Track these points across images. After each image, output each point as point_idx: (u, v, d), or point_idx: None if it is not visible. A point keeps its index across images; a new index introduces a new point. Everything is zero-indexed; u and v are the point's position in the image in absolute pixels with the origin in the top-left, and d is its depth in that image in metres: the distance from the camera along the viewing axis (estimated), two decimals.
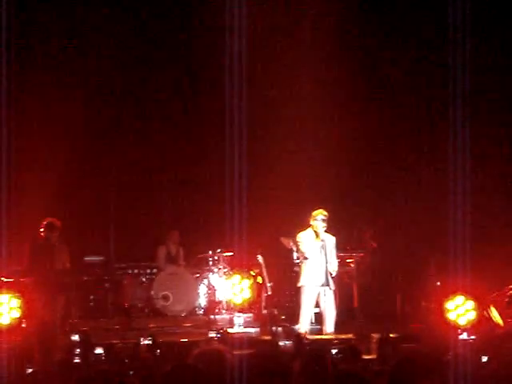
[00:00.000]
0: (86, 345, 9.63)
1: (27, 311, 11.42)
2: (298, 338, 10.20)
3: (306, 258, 11.92)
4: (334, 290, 11.94)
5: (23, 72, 13.74)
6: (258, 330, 12.85)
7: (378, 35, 14.82)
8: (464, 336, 11.34)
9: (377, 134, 15.20)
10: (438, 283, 13.04)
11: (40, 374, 7.59)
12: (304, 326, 11.90)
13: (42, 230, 11.66)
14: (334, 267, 11.91)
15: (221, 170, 13.01)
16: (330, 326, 11.74)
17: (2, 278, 11.97)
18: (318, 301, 11.90)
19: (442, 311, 11.70)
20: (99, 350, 9.92)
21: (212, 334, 11.59)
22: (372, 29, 14.84)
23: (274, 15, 14.73)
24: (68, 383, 6.54)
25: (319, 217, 11.84)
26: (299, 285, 12.02)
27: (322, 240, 11.82)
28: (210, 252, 14.47)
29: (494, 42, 14.16)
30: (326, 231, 11.90)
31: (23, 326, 11.48)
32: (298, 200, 13.92)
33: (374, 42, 14.86)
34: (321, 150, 14.74)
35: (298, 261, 12.70)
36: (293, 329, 12.26)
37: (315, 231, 11.87)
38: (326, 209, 12.05)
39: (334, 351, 9.16)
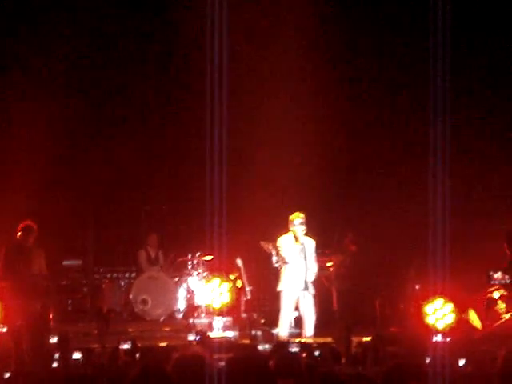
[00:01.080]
0: (66, 347, 9.56)
1: (4, 316, 11.32)
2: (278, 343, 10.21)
3: (285, 263, 11.92)
4: (314, 294, 11.94)
5: (3, 73, 13.65)
6: (237, 333, 12.82)
7: (360, 33, 14.85)
8: (439, 338, 11.36)
9: (357, 136, 15.22)
10: (417, 286, 13.08)
11: (18, 378, 7.53)
12: (283, 329, 11.89)
13: (18, 233, 11.57)
14: (313, 271, 11.91)
15: (200, 173, 12.97)
16: (309, 329, 11.74)
17: None
18: (297, 305, 11.90)
19: (420, 314, 11.72)
20: (78, 355, 9.85)
21: (191, 338, 11.55)
22: (355, 25, 14.86)
23: (255, 18, 14.75)
24: None
25: (297, 221, 11.85)
26: (279, 289, 12.01)
27: (302, 244, 11.83)
28: (190, 256, 14.44)
29: (475, 43, 14.23)
30: (306, 234, 11.90)
31: (1, 330, 11.39)
32: (278, 204, 13.92)
33: (358, 40, 14.89)
34: (300, 153, 14.75)
35: (277, 265, 12.69)
36: (272, 333, 12.26)
37: (295, 235, 11.87)
38: (305, 212, 12.06)
39: (316, 353, 9.13)
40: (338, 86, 15.09)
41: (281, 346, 10.21)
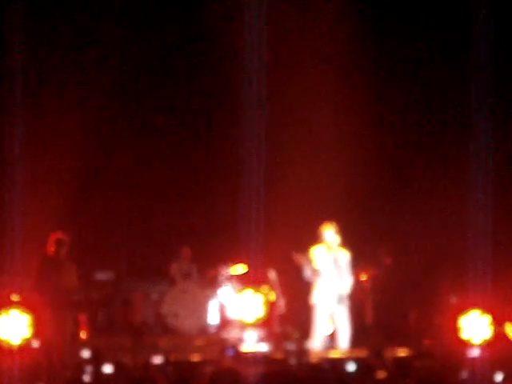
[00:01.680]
0: (98, 361, 9.51)
1: (37, 330, 11.31)
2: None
3: (319, 274, 11.80)
4: (348, 307, 11.80)
5: (34, 86, 13.69)
6: (270, 347, 12.71)
7: (391, 43, 14.74)
8: (476, 353, 11.16)
9: (391, 146, 15.10)
10: (453, 299, 12.90)
11: None
12: (317, 343, 11.76)
13: (50, 245, 11.55)
14: (347, 283, 11.78)
15: (233, 184, 12.92)
16: (343, 342, 11.60)
17: (13, 296, 11.88)
18: (332, 318, 11.77)
19: (456, 328, 11.54)
20: (109, 369, 9.79)
21: (225, 352, 11.45)
22: (386, 35, 14.76)
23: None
24: None
25: (329, 232, 11.75)
26: (312, 302, 11.88)
27: (335, 255, 11.70)
28: (222, 267, 14.36)
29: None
30: (340, 246, 11.77)
31: (33, 345, 11.37)
32: (311, 215, 13.80)
33: (390, 51, 14.80)
34: (334, 163, 14.63)
35: (309, 277, 12.57)
36: (305, 347, 12.14)
37: (327, 246, 11.76)
38: (339, 224, 11.94)
39: (349, 368, 8.99)
40: (377, 94, 14.98)
41: (312, 362, 10.13)
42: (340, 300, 11.71)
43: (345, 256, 11.85)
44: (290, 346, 12.10)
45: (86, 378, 9.41)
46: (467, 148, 12.12)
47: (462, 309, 11.63)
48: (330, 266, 11.74)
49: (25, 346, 11.03)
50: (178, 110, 15.59)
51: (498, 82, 12.52)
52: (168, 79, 15.32)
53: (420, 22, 14.56)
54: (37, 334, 11.31)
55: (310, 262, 12.16)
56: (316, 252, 11.83)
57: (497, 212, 12.94)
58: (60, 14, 14.39)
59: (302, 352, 11.86)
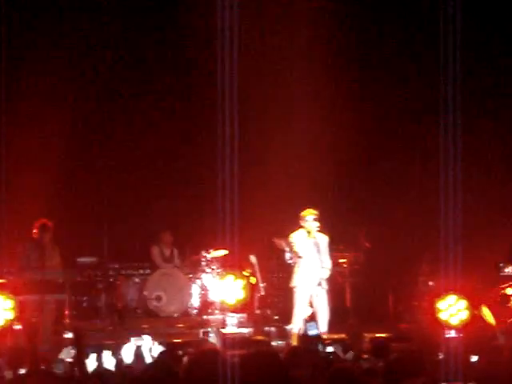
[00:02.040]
0: (80, 342, 9.60)
1: (20, 313, 11.41)
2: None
3: (299, 257, 11.94)
4: (327, 290, 11.97)
5: (15, 71, 13.72)
6: (251, 330, 12.87)
7: (372, 31, 14.87)
8: (452, 334, 11.37)
9: (370, 132, 15.22)
10: (431, 283, 13.09)
11: (32, 374, 7.59)
12: (297, 326, 11.92)
13: (34, 230, 11.64)
14: (327, 267, 11.94)
15: (213, 169, 12.98)
16: (323, 325, 11.77)
17: None
18: (311, 301, 11.93)
19: (433, 311, 11.74)
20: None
21: (205, 334, 11.61)
22: (367, 25, 14.88)
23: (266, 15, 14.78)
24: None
25: (309, 217, 11.87)
26: (292, 285, 12.04)
27: (315, 239, 11.85)
28: (203, 252, 14.48)
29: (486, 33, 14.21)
30: (319, 231, 11.92)
31: (15, 327, 11.47)
32: (291, 200, 13.93)
33: (369, 36, 14.90)
34: (314, 148, 14.74)
35: (290, 261, 12.72)
36: (285, 329, 12.31)
37: (308, 231, 11.89)
38: (318, 208, 12.09)
39: (329, 349, 9.18)
40: (352, 77, 15.09)
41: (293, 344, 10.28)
42: (319, 283, 11.86)
43: (324, 240, 12.01)
44: (271, 329, 12.28)
45: (69, 360, 9.53)
46: (440, 136, 12.27)
47: (440, 292, 11.83)
48: (311, 250, 11.88)
49: (7, 329, 11.13)
50: (157, 93, 15.65)
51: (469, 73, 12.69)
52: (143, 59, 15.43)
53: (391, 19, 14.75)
54: (20, 316, 11.42)
55: (290, 246, 12.31)
56: (296, 236, 11.98)
57: (471, 198, 13.12)
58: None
59: (283, 333, 12.07)
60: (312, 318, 10.44)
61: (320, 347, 9.32)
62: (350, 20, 14.87)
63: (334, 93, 14.81)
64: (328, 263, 11.99)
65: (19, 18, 14.14)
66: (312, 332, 9.81)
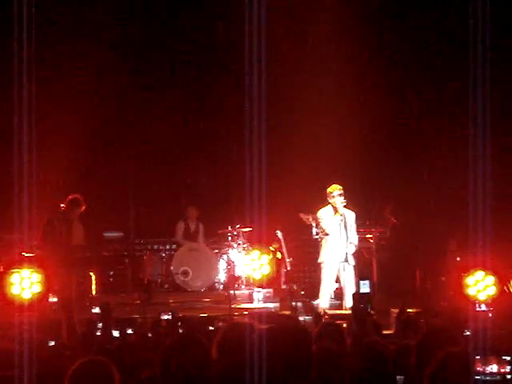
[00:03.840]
0: (108, 317, 9.67)
1: (48, 286, 11.48)
2: (317, 314, 10.25)
3: (326, 234, 11.93)
4: (354, 266, 11.94)
5: (41, 45, 13.75)
6: (277, 305, 12.89)
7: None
8: (483, 308, 11.32)
9: (398, 109, 15.13)
10: (458, 258, 13.02)
11: (62, 346, 7.66)
12: (324, 301, 11.92)
13: (63, 205, 11.65)
14: (354, 242, 11.91)
15: (239, 145, 12.98)
16: (349, 301, 11.74)
17: (24, 253, 12.03)
18: (338, 276, 11.92)
19: (461, 286, 11.68)
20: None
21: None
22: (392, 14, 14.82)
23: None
24: (89, 355, 6.60)
25: (335, 192, 11.83)
26: (319, 261, 12.03)
27: (342, 215, 11.81)
28: (230, 227, 14.50)
29: None
30: (345, 206, 11.88)
31: (47, 301, 11.56)
32: (318, 175, 13.89)
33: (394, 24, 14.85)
34: (341, 125, 14.68)
35: (317, 236, 12.71)
36: (312, 304, 12.31)
37: (334, 207, 11.86)
38: (345, 184, 12.05)
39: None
40: (377, 59, 15.00)
41: (322, 317, 10.28)
42: (346, 259, 11.84)
43: (351, 216, 11.97)
44: (297, 304, 12.27)
45: (97, 333, 9.60)
46: (471, 114, 12.16)
47: (467, 268, 11.77)
48: (337, 227, 11.85)
49: (37, 302, 11.22)
50: (184, 72, 15.66)
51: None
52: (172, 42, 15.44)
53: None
54: (48, 290, 11.50)
55: (317, 221, 12.29)
56: (323, 213, 11.94)
57: (501, 172, 13.01)
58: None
59: (309, 308, 12.06)
60: (365, 277, 10.42)
61: (369, 307, 9.38)
62: (373, 11, 14.78)
63: (363, 73, 14.73)
64: (355, 239, 11.96)
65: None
66: (364, 290, 9.89)
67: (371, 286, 10.28)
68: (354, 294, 10.14)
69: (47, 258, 11.37)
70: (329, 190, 11.90)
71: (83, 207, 11.50)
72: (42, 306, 11.24)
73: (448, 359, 4.57)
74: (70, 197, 11.53)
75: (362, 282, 9.99)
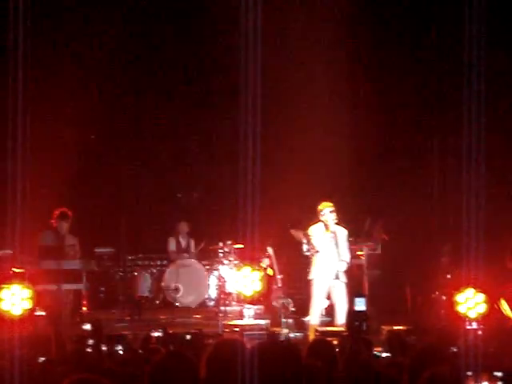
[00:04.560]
0: (99, 334, 9.65)
1: (38, 302, 11.44)
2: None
3: (316, 252, 11.94)
4: (346, 283, 11.94)
5: (36, 57, 13.74)
6: (268, 321, 12.87)
7: (389, 30, 14.85)
8: (473, 326, 11.33)
9: (389, 124, 15.18)
10: (449, 276, 13.04)
11: (52, 362, 7.62)
12: (314, 318, 11.92)
13: (53, 220, 11.66)
14: (345, 260, 11.92)
15: (231, 161, 13.01)
16: (341, 318, 11.75)
17: (14, 269, 12.00)
18: (329, 293, 11.92)
19: (452, 304, 11.69)
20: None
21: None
22: (385, 23, 14.86)
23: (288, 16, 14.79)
24: (80, 372, 6.57)
25: (326, 210, 11.84)
26: (310, 278, 12.03)
27: (333, 232, 11.83)
28: (221, 244, 14.50)
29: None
30: (337, 223, 11.89)
31: (35, 315, 11.51)
32: (309, 192, 13.91)
33: (387, 35, 14.89)
34: (331, 141, 14.71)
35: (308, 253, 12.72)
36: (303, 321, 12.30)
37: (325, 224, 11.87)
38: (336, 200, 12.06)
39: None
40: (370, 74, 15.05)
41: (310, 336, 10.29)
42: (337, 276, 11.85)
43: (343, 233, 11.98)
44: (288, 320, 12.27)
45: (88, 350, 9.55)
46: (463, 130, 12.21)
47: (458, 285, 11.78)
48: (328, 244, 11.86)
49: (27, 317, 11.17)
50: (178, 86, 15.68)
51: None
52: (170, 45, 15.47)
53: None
54: (38, 306, 11.46)
55: (308, 238, 12.30)
56: (314, 229, 11.96)
57: (493, 190, 13.04)
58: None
59: (300, 325, 12.06)
60: (360, 294, 10.42)
61: (364, 325, 9.37)
62: (368, 18, 14.85)
63: (354, 86, 14.77)
64: (347, 256, 11.97)
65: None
66: (359, 308, 9.89)
67: (366, 304, 10.31)
68: (349, 312, 10.14)
69: (40, 273, 11.36)
70: (319, 207, 11.92)
71: (70, 220, 11.48)
72: (31, 321, 11.20)
73: (435, 378, 4.58)
74: (57, 211, 11.53)
75: (357, 300, 10.00)
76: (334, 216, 11.82)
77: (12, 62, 11.54)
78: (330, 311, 12.12)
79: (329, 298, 11.96)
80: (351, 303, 11.41)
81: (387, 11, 14.85)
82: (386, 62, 15.06)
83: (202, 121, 15.70)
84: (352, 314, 9.83)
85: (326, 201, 11.97)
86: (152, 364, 4.67)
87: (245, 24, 11.66)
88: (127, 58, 15.24)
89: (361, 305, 9.96)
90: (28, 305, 11.27)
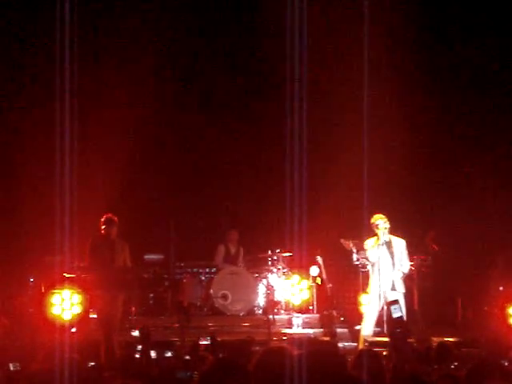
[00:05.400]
0: (147, 341, 9.66)
1: (88, 307, 11.53)
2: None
3: (372, 264, 11.81)
4: (404, 293, 11.77)
5: (86, 68, 13.88)
6: (316, 330, 12.81)
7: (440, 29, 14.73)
8: None
9: (440, 136, 15.04)
10: (501, 288, 12.85)
11: (101, 368, 7.66)
12: (367, 328, 11.76)
13: (102, 226, 11.74)
14: (403, 270, 11.73)
15: (281, 169, 12.99)
16: None
17: (65, 274, 12.12)
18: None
19: (504, 316, 11.52)
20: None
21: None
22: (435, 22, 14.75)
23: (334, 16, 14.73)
24: (128, 378, 6.60)
25: (380, 221, 11.70)
26: (369, 292, 11.86)
27: (387, 243, 11.66)
28: (270, 252, 14.47)
29: None
30: (395, 234, 11.75)
31: (87, 319, 11.62)
32: (358, 201, 13.82)
33: (438, 37, 14.78)
34: (383, 150, 14.61)
35: (357, 262, 12.63)
36: (354, 330, 12.21)
37: (379, 237, 11.74)
38: (387, 211, 11.94)
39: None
40: (419, 86, 14.94)
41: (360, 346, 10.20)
42: (393, 287, 11.69)
43: (401, 243, 11.82)
44: (337, 330, 12.18)
45: (137, 356, 9.59)
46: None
47: (511, 298, 11.61)
48: (384, 254, 11.72)
49: (77, 323, 11.28)
50: (226, 96, 15.73)
51: None
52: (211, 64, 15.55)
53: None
54: (88, 311, 11.56)
55: (358, 248, 12.21)
56: (369, 243, 11.83)
57: None
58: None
59: (350, 335, 11.96)
60: (395, 301, 10.32)
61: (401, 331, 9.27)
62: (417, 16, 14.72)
63: (405, 97, 14.68)
64: (406, 266, 11.77)
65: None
66: (396, 314, 9.80)
67: (409, 312, 10.19)
68: (387, 320, 10.04)
69: (93, 279, 11.43)
70: (372, 220, 11.77)
71: (117, 225, 11.54)
72: (82, 326, 11.29)
73: None
74: (104, 217, 11.60)
75: (392, 308, 9.92)
76: (386, 226, 11.70)
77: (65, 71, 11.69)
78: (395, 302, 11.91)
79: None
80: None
81: None
82: (446, 66, 14.93)
83: (251, 132, 15.73)
84: (391, 322, 9.73)
85: (380, 213, 11.86)
86: (201, 372, 4.66)
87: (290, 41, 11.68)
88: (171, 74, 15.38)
89: (397, 311, 9.87)
90: (78, 310, 11.38)
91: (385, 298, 11.66)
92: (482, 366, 5.20)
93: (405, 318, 10.92)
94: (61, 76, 11.83)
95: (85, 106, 13.78)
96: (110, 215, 11.65)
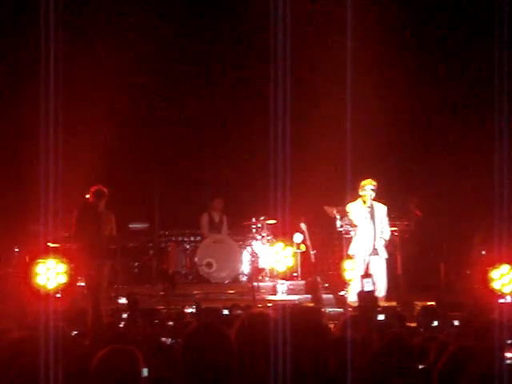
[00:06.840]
0: (135, 307, 9.73)
1: (75, 276, 11.56)
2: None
3: (354, 226, 11.92)
4: (386, 259, 11.90)
5: (74, 36, 13.82)
6: (301, 297, 12.90)
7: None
8: (508, 300, 11.29)
9: (424, 104, 15.07)
10: (483, 252, 12.97)
11: (85, 336, 7.70)
12: (352, 294, 11.87)
13: (89, 196, 11.74)
14: (384, 236, 11.89)
15: (264, 137, 12.98)
16: (381, 292, 11.65)
17: (50, 244, 12.12)
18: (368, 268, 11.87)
19: (486, 280, 11.64)
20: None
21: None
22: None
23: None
24: (115, 345, 6.63)
25: (368, 186, 11.84)
26: (349, 253, 12.00)
27: (370, 207, 11.79)
28: (254, 220, 14.52)
29: None
30: (377, 201, 11.87)
31: (74, 287, 11.65)
32: (342, 168, 13.85)
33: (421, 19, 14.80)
34: (366, 118, 14.63)
35: (341, 229, 12.70)
36: (337, 296, 12.31)
37: (364, 200, 11.84)
38: (370, 177, 12.01)
39: (380, 317, 9.13)
40: (406, 52, 14.94)
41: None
42: (376, 252, 11.81)
43: (383, 209, 11.95)
44: (322, 296, 12.29)
45: (122, 324, 9.64)
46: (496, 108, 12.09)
47: (493, 262, 11.72)
48: (366, 219, 11.83)
49: (63, 291, 11.31)
50: (210, 64, 15.69)
51: None
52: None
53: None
54: (73, 280, 11.58)
55: (342, 214, 12.29)
56: (353, 205, 11.93)
57: None
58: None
59: (335, 300, 12.06)
60: (369, 275, 10.44)
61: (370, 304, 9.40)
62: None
63: (392, 66, 14.69)
64: (387, 233, 11.94)
65: None
66: (368, 288, 9.92)
67: (374, 283, 10.23)
68: (359, 293, 10.15)
69: (79, 248, 11.46)
70: (362, 183, 11.91)
71: (106, 197, 11.56)
72: (68, 295, 11.32)
73: (461, 352, 4.57)
74: (93, 188, 11.60)
75: (365, 281, 10.04)
76: (373, 193, 11.80)
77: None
78: (367, 275, 12.02)
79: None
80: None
81: None
82: (437, 45, 14.95)
83: (236, 101, 15.71)
84: (362, 295, 9.83)
85: (367, 179, 11.94)
86: (184, 336, 4.70)
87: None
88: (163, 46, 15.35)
89: (369, 285, 9.99)
90: (63, 279, 11.40)
91: (367, 263, 11.78)
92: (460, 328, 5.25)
93: (376, 293, 11.09)
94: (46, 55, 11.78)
95: (70, 80, 13.70)
96: (100, 187, 11.65)
